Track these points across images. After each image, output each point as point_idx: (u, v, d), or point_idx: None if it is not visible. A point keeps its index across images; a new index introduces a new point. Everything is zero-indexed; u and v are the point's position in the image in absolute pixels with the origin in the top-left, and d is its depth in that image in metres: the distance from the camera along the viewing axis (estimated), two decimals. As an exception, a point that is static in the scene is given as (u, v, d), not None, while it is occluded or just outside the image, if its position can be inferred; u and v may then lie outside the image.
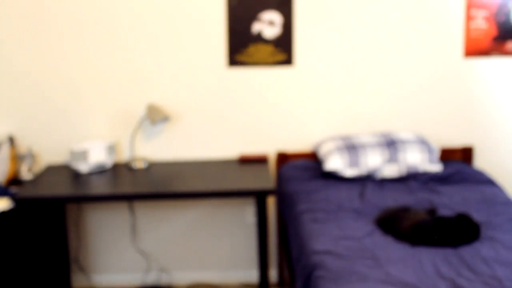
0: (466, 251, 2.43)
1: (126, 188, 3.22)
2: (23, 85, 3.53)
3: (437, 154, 3.42)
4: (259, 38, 3.52)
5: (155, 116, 3.44)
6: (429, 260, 2.37)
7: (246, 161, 3.56)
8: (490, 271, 2.27)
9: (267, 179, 3.20)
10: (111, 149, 3.48)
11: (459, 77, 3.61)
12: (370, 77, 3.60)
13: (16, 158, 3.46)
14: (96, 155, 3.40)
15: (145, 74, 3.55)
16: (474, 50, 3.58)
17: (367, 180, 3.29)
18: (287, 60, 3.56)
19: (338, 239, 2.59)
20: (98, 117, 3.59)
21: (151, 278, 3.82)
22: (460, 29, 3.56)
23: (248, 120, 3.63)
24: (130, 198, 3.11)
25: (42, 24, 3.47)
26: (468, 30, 3.55)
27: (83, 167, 3.38)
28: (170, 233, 3.77)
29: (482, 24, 3.54)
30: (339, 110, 3.63)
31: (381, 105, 3.63)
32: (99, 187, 3.22)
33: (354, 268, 2.31)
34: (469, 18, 3.54)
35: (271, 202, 3.72)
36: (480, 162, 3.69)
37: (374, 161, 3.31)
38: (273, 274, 3.79)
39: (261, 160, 3.56)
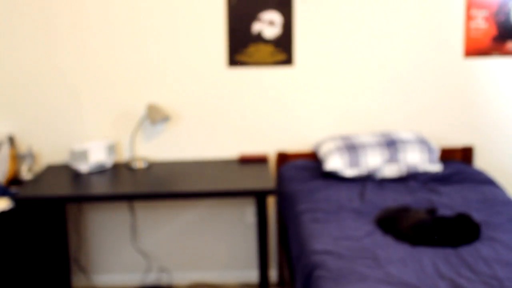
0: (466, 251, 2.43)
1: (126, 188, 3.22)
2: (23, 85, 3.53)
3: (437, 154, 3.42)
4: (259, 38, 3.52)
5: (155, 116, 3.44)
6: (429, 260, 2.37)
7: (246, 161, 3.56)
8: (490, 271, 2.27)
9: (267, 179, 3.20)
10: (111, 149, 3.48)
11: (459, 77, 3.61)
12: (369, 77, 3.60)
13: (16, 158, 3.46)
14: (96, 155, 3.40)
15: (145, 74, 3.56)
16: (474, 50, 3.58)
17: (367, 180, 3.29)
18: (287, 60, 3.56)
19: (338, 239, 2.59)
20: (98, 117, 3.59)
21: (151, 278, 3.82)
22: (460, 29, 3.56)
23: (248, 120, 3.63)
24: (130, 198, 3.12)
25: (42, 24, 3.47)
26: (468, 30, 3.55)
27: (83, 167, 3.38)
28: (170, 233, 3.77)
29: (482, 24, 3.54)
30: (339, 110, 3.63)
31: (381, 105, 3.63)
32: (99, 187, 3.22)
33: (354, 268, 2.31)
34: (469, 18, 3.54)
35: (271, 202, 3.72)
36: (480, 162, 3.69)
37: (374, 161, 3.31)
38: (273, 274, 3.80)
39: (261, 160, 3.56)
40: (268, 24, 3.51)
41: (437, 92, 3.62)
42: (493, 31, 3.55)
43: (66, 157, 3.58)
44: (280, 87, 3.60)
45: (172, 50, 3.53)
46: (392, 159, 3.32)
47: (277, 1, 3.48)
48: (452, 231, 2.52)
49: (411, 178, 3.32)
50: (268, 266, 3.25)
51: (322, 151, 3.43)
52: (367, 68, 3.59)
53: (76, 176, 3.36)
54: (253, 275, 3.79)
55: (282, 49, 3.54)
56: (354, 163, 3.29)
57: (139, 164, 3.51)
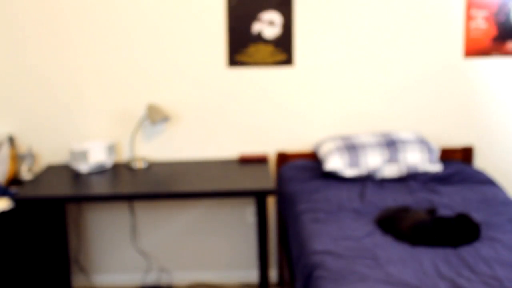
0: (466, 251, 2.44)
1: (126, 188, 3.22)
2: (23, 85, 3.53)
3: (437, 154, 3.42)
4: (259, 38, 3.52)
5: (155, 116, 3.44)
6: (429, 260, 2.37)
7: (246, 161, 3.56)
8: (490, 271, 2.27)
9: (267, 179, 3.20)
10: (111, 149, 3.48)
11: (459, 77, 3.61)
12: (370, 77, 3.60)
13: (16, 158, 3.46)
14: (96, 155, 3.40)
15: (145, 74, 3.56)
16: (474, 50, 3.58)
17: (367, 180, 3.29)
18: (287, 60, 3.56)
19: (338, 239, 2.59)
20: (98, 117, 3.59)
21: (151, 278, 3.82)
22: (460, 29, 3.56)
23: (248, 120, 3.63)
24: (130, 198, 3.11)
25: (43, 25, 3.47)
26: (468, 30, 3.55)
27: (83, 167, 3.38)
28: (170, 233, 3.77)
29: (482, 24, 3.54)
30: (339, 110, 3.63)
31: (381, 105, 3.63)
32: (99, 187, 3.22)
33: (354, 268, 2.31)
34: (469, 18, 3.54)
35: (271, 202, 3.72)
36: (480, 162, 3.69)
37: (374, 161, 3.31)
38: (273, 274, 3.80)
39: (261, 160, 3.56)
40: (268, 24, 3.51)
41: (437, 92, 3.62)
42: (493, 31, 3.55)
43: (66, 157, 3.58)
44: (280, 87, 3.60)
45: (172, 50, 3.53)
46: (392, 159, 3.32)
47: (277, 1, 3.48)
48: (452, 231, 2.52)
49: (411, 178, 3.32)
50: (268, 266, 3.25)
51: (322, 151, 3.43)
52: (367, 68, 3.59)
53: (76, 176, 3.36)
54: (253, 275, 3.79)
55: (282, 49, 3.54)
56: (354, 163, 3.30)
57: (139, 164, 3.51)
